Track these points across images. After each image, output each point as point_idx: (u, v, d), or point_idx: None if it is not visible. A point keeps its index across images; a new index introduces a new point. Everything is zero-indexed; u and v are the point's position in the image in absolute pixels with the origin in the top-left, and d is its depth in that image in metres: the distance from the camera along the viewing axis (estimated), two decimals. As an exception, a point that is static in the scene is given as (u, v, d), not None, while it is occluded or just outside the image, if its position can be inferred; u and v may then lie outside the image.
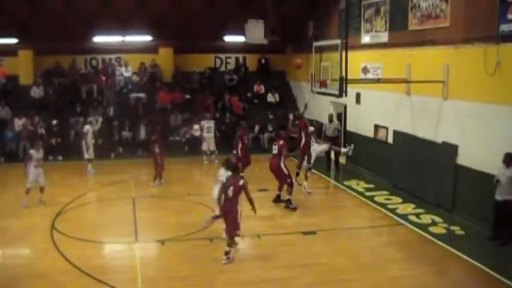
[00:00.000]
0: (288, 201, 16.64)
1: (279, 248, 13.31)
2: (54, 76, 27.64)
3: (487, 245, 13.53)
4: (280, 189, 17.09)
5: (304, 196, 17.81)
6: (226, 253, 12.41)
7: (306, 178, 18.30)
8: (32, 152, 16.85)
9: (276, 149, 16.87)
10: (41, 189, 17.01)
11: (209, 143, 23.30)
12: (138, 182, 19.94)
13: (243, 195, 12.58)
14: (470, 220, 15.03)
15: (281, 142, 16.91)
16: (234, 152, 19.58)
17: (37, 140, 18.65)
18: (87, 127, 21.39)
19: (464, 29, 15.39)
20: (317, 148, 18.44)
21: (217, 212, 13.37)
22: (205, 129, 23.32)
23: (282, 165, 16.67)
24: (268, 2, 22.95)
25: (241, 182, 12.48)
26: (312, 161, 18.31)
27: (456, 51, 15.62)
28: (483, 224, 14.34)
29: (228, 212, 12.45)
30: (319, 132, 20.88)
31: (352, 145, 19.09)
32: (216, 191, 13.36)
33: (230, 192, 12.36)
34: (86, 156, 21.21)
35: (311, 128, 18.44)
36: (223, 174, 13.31)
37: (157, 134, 19.98)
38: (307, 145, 17.99)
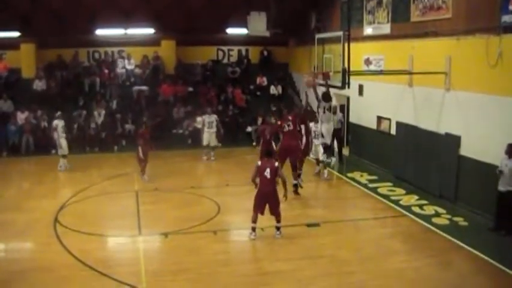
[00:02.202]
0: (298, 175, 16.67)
1: (283, 241, 13.32)
2: (56, 69, 27.65)
3: (490, 235, 13.54)
4: (295, 177, 16.97)
5: (309, 188, 17.71)
6: (278, 228, 13.49)
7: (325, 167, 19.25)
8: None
9: (291, 125, 16.77)
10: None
11: (210, 139, 22.71)
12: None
13: None
14: (473, 211, 15.03)
15: (290, 117, 16.87)
16: (254, 144, 19.65)
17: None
18: (55, 122, 20.87)
19: (466, 20, 15.35)
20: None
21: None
22: (207, 124, 22.74)
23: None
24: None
25: (276, 164, 13.55)
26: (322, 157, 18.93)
27: (458, 43, 15.58)
28: (486, 214, 14.37)
29: (269, 192, 13.26)
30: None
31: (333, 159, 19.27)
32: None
33: (268, 174, 13.18)
34: (60, 152, 20.84)
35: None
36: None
37: (145, 128, 19.73)
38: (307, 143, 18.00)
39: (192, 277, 11.31)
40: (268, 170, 13.20)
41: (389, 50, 19.61)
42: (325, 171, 19.35)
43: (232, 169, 21.23)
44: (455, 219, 14.75)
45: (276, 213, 13.43)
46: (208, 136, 22.62)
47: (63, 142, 20.74)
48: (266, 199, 13.29)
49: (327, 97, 18.26)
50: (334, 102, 20.26)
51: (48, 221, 14.65)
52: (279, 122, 17.10)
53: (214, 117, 22.97)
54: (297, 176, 16.76)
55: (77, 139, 23.79)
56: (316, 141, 19.08)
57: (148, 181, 18.92)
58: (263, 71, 30.02)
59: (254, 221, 13.27)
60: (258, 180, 13.42)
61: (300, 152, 16.97)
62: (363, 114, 21.78)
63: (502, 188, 13.29)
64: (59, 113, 21.42)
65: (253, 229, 13.31)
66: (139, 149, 19.10)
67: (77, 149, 22.81)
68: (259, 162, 13.46)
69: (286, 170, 15.72)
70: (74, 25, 25.70)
